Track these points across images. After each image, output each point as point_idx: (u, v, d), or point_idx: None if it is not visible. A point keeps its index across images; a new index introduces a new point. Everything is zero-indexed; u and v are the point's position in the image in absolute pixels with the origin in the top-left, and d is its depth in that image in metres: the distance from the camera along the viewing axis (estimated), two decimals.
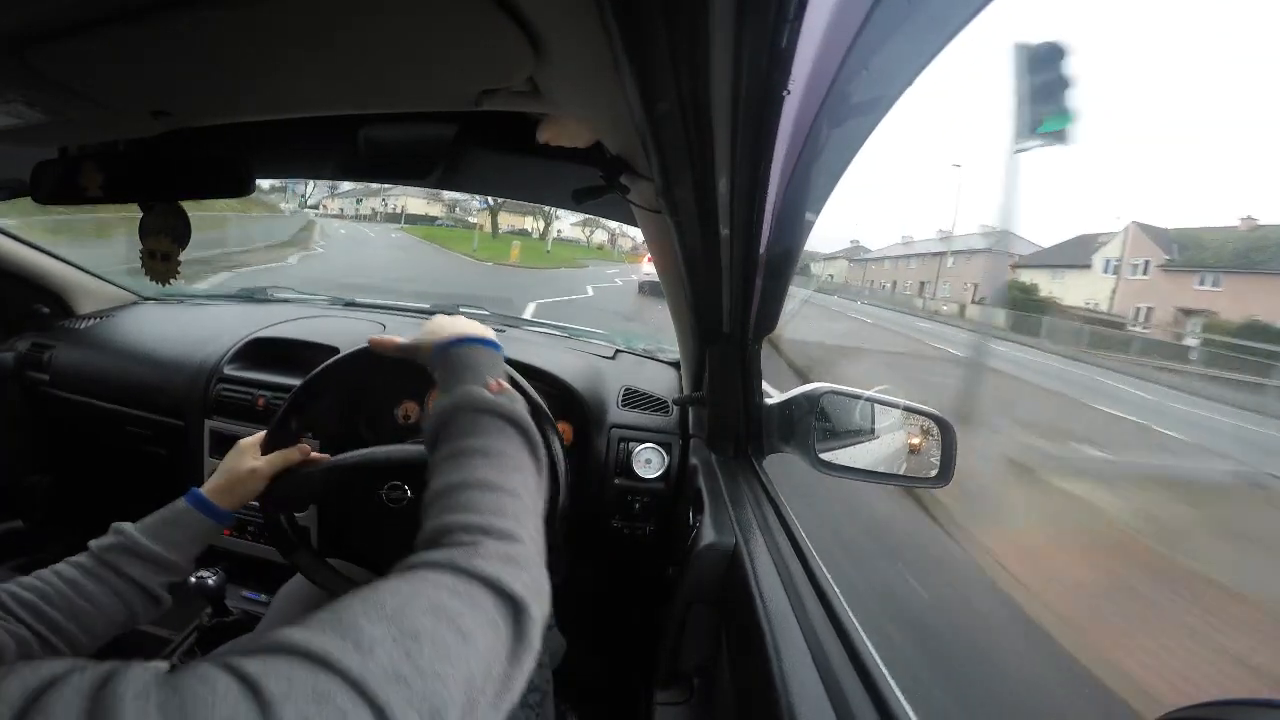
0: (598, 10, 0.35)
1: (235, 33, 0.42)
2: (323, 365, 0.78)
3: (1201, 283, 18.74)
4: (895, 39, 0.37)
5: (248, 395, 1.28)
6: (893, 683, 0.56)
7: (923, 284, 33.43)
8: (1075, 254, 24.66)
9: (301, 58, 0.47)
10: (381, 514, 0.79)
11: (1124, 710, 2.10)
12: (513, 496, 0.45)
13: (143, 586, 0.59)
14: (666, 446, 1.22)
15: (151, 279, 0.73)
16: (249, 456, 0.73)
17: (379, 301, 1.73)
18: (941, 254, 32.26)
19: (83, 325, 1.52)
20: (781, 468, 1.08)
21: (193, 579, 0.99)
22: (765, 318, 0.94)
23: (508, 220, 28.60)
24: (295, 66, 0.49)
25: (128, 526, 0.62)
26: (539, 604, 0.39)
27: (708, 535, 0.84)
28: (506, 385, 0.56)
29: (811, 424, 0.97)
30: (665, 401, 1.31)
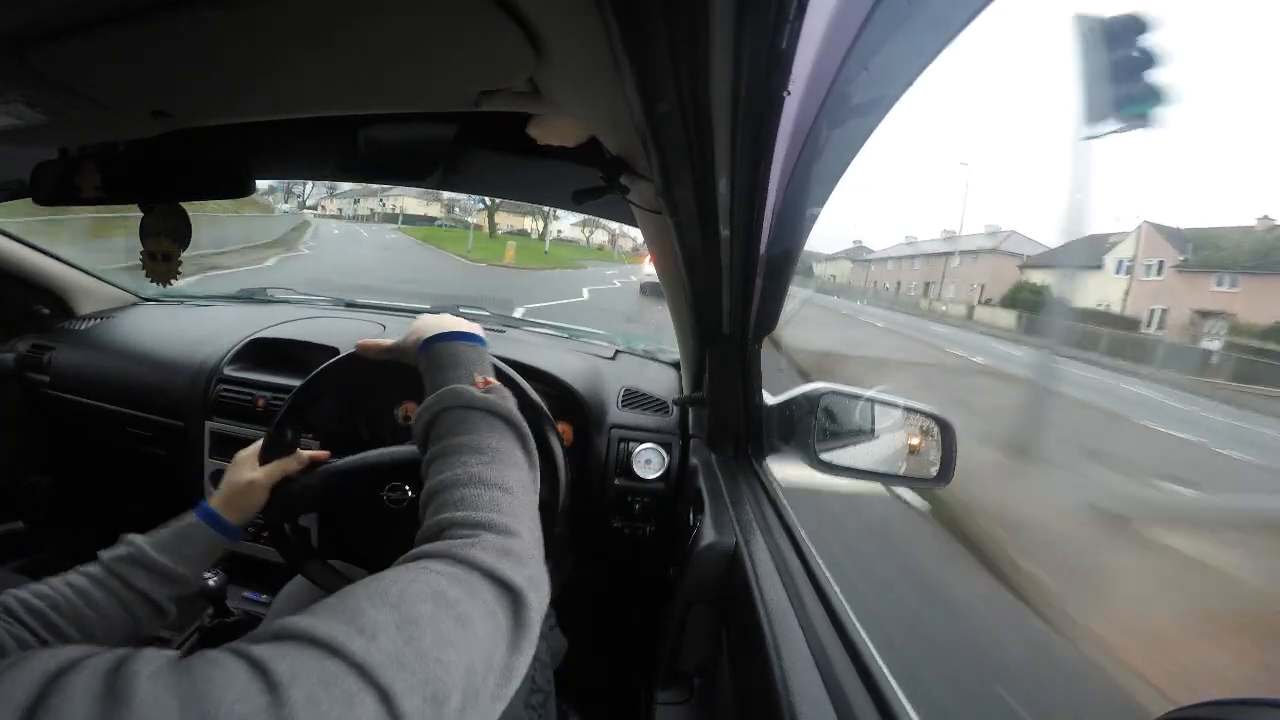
0: (598, 10, 0.35)
1: (235, 33, 0.42)
2: (313, 373, 0.78)
3: (1219, 284, 18.10)
4: (895, 39, 0.37)
5: (248, 396, 1.28)
6: (894, 683, 0.56)
7: (927, 285, 33.20)
8: (1085, 254, 23.97)
9: (301, 58, 0.47)
10: (382, 515, 0.79)
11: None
12: (507, 492, 0.45)
13: (149, 598, 0.59)
14: (667, 447, 1.22)
15: (152, 280, 0.73)
16: (246, 469, 0.73)
17: (379, 302, 1.73)
18: (947, 254, 31.94)
19: (83, 326, 1.52)
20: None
21: None
22: (765, 318, 0.94)
23: (507, 220, 28.57)
24: (295, 66, 0.49)
25: (138, 539, 0.62)
26: (538, 595, 0.40)
27: (708, 535, 0.84)
28: (494, 381, 0.56)
29: (812, 424, 0.97)
30: (665, 402, 1.31)
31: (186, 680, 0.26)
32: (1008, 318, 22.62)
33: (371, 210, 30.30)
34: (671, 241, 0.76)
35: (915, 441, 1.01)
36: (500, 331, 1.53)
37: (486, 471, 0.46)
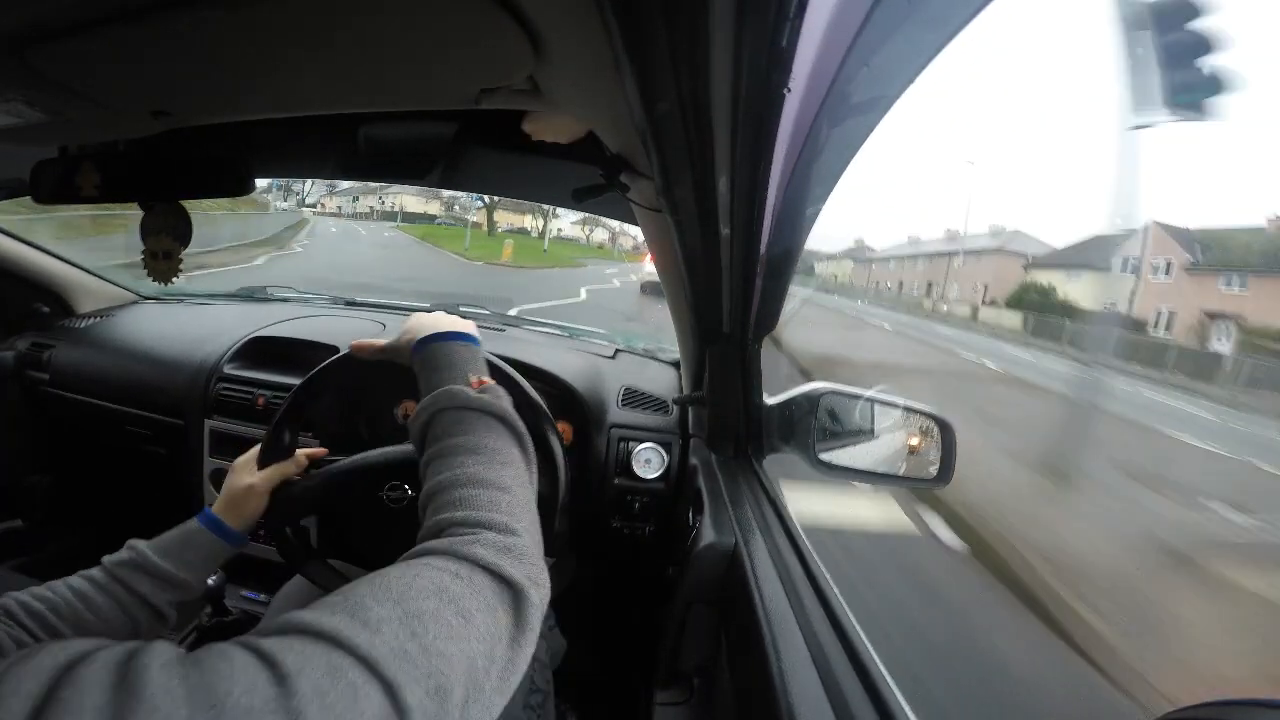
0: (598, 9, 0.35)
1: (235, 33, 0.42)
2: (308, 376, 0.78)
3: (1228, 285, 17.63)
4: (896, 38, 0.37)
5: (248, 394, 1.28)
6: (892, 683, 0.56)
7: (930, 285, 33.03)
8: (1092, 254, 23.80)
9: (301, 58, 0.47)
10: (383, 515, 0.79)
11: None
12: (505, 492, 0.46)
13: (150, 603, 0.59)
14: (666, 446, 1.22)
15: (153, 279, 0.73)
16: (245, 474, 0.73)
17: (379, 300, 1.73)
18: (950, 254, 31.74)
19: (82, 324, 1.52)
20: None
21: None
22: (765, 317, 0.94)
23: (507, 218, 28.53)
24: (295, 66, 0.49)
25: (140, 543, 0.62)
26: (538, 592, 0.41)
27: (707, 535, 0.84)
28: (489, 381, 0.56)
29: (811, 424, 0.97)
30: (665, 401, 1.31)
31: (196, 672, 0.27)
32: (1013, 319, 22.24)
33: (370, 208, 30.29)
34: (671, 240, 0.76)
35: (915, 442, 1.01)
36: (500, 330, 1.53)
37: (485, 472, 0.46)
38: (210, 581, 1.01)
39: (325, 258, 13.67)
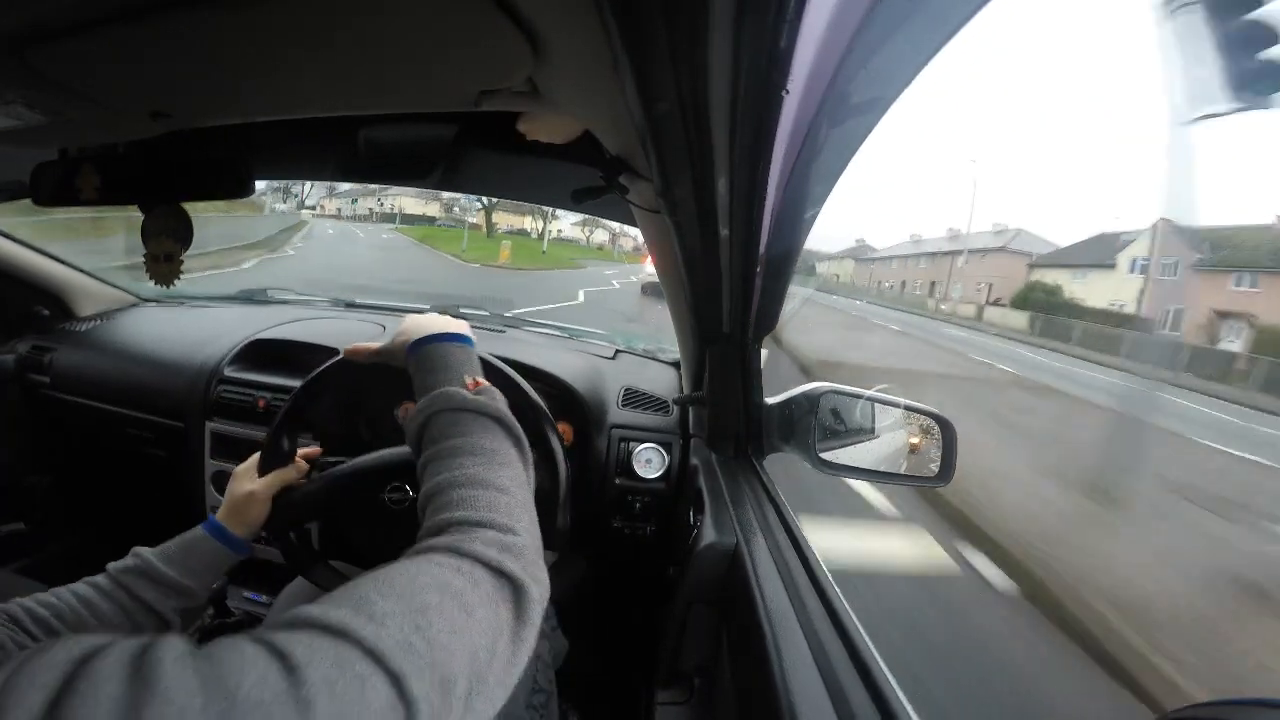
0: (597, 10, 0.35)
1: (235, 33, 0.42)
2: (303, 383, 0.78)
3: (1238, 283, 17.18)
4: (895, 38, 0.37)
5: (248, 397, 1.28)
6: (894, 682, 0.56)
7: (933, 284, 32.81)
8: (1097, 253, 23.52)
9: (301, 58, 0.47)
10: (384, 516, 0.79)
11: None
12: (504, 493, 0.46)
13: (154, 610, 0.59)
14: (667, 446, 1.22)
15: (155, 281, 0.73)
16: (245, 481, 0.73)
17: (379, 302, 1.74)
18: (953, 253, 31.47)
19: (83, 327, 1.52)
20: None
21: None
22: (765, 317, 0.95)
23: (507, 220, 28.52)
24: (295, 66, 0.49)
25: (145, 551, 0.62)
26: (538, 588, 0.41)
27: (708, 535, 0.84)
28: (484, 382, 0.57)
29: (812, 423, 0.97)
30: (665, 401, 1.31)
31: (208, 664, 0.27)
32: (1019, 319, 21.97)
33: (370, 210, 30.28)
34: (671, 241, 0.76)
35: (915, 441, 1.01)
36: (500, 332, 1.53)
37: (483, 473, 0.47)
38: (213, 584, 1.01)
39: (318, 260, 13.37)
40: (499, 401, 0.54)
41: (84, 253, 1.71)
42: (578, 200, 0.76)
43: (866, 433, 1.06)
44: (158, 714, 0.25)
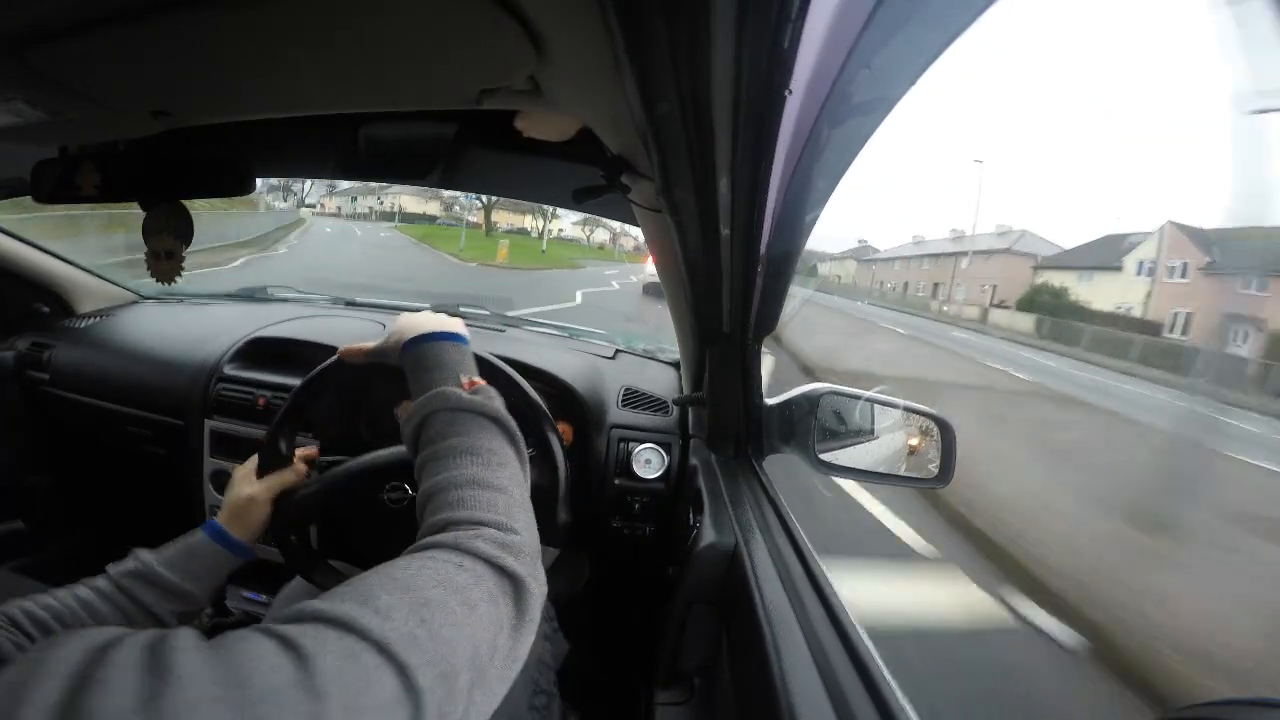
0: (599, 9, 0.35)
1: (235, 33, 0.42)
2: (299, 384, 0.78)
3: (1247, 286, 16.69)
4: (898, 38, 0.37)
5: (248, 395, 1.28)
6: (893, 683, 0.56)
7: (936, 286, 32.59)
8: (1103, 255, 23.24)
9: (301, 58, 0.47)
10: (383, 515, 0.79)
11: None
12: (503, 493, 0.47)
13: (154, 613, 0.59)
14: (666, 446, 1.22)
15: (157, 279, 0.73)
16: (244, 484, 0.73)
17: (379, 301, 1.73)
18: (957, 255, 31.10)
19: (83, 325, 1.52)
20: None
21: None
22: (765, 317, 0.94)
23: (508, 219, 28.51)
24: (295, 66, 0.49)
25: (146, 554, 0.62)
26: (537, 584, 0.42)
27: (708, 535, 0.84)
28: (480, 381, 0.57)
29: (811, 424, 0.97)
30: (665, 401, 1.31)
31: (223, 654, 0.28)
32: (1026, 321, 21.75)
33: (370, 209, 30.26)
34: (672, 241, 0.76)
35: (915, 442, 1.01)
36: (500, 331, 1.53)
37: (482, 473, 0.47)
38: None
39: (309, 260, 13.12)
40: (495, 401, 0.55)
41: (82, 250, 1.70)
42: (579, 199, 0.76)
43: (866, 434, 1.06)
44: (176, 702, 0.25)
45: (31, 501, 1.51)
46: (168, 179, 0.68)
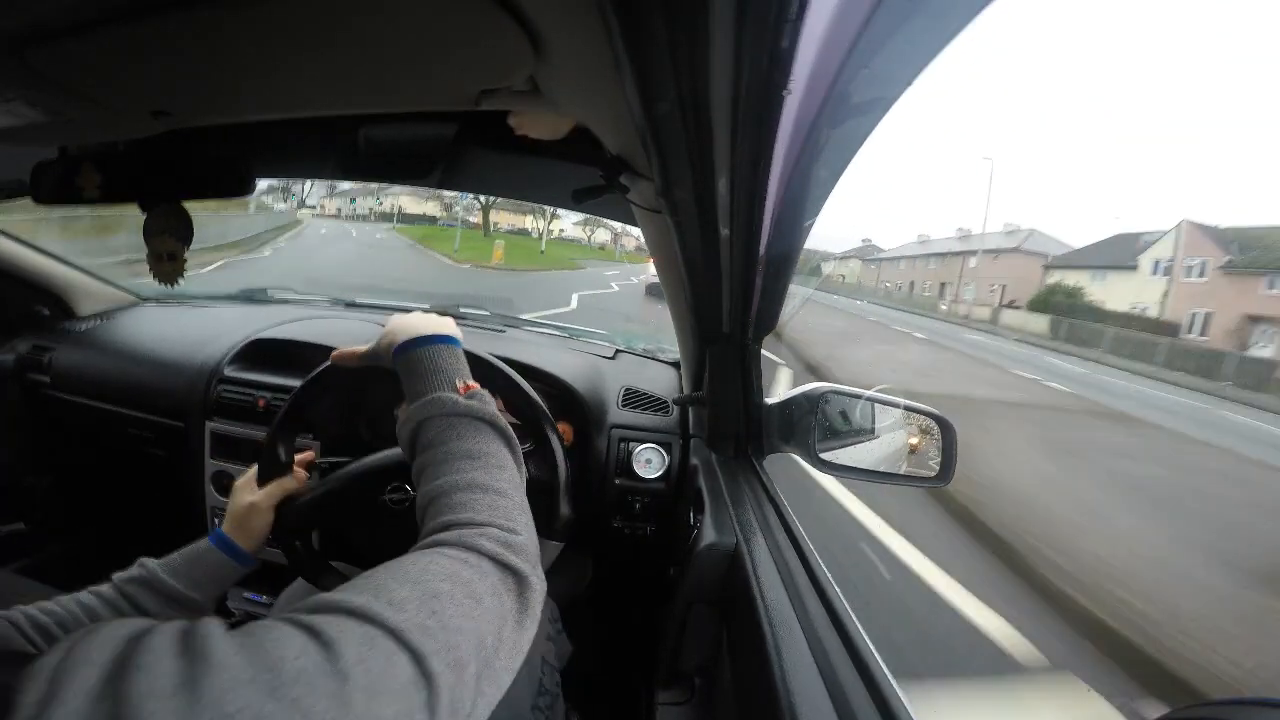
0: (598, 10, 0.35)
1: (235, 33, 0.42)
2: (294, 391, 0.78)
3: (1271, 286, 16.23)
4: (897, 38, 0.37)
5: (248, 396, 1.28)
6: (894, 682, 0.56)
7: (943, 285, 32.30)
8: (1117, 254, 22.86)
9: (301, 58, 0.47)
10: (384, 516, 0.79)
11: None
12: (503, 496, 0.48)
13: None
14: (667, 446, 1.22)
15: (159, 281, 0.73)
16: (246, 493, 0.74)
17: (379, 302, 1.74)
18: (965, 254, 30.70)
19: (83, 327, 1.52)
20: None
21: None
22: (765, 317, 0.94)
23: (508, 219, 28.50)
24: (295, 66, 0.49)
25: (151, 562, 0.63)
26: (539, 580, 0.43)
27: (708, 535, 0.84)
28: (475, 385, 0.57)
29: (812, 424, 0.97)
30: (665, 401, 1.31)
31: (252, 641, 0.29)
32: (1038, 323, 21.33)
33: (370, 209, 30.24)
34: (671, 241, 0.76)
35: (915, 441, 1.01)
36: (500, 331, 1.53)
37: (483, 477, 0.48)
38: None
39: (293, 263, 12.74)
40: (490, 404, 0.55)
41: (81, 252, 1.70)
42: (578, 200, 0.76)
43: (866, 433, 1.06)
44: (213, 684, 0.26)
45: (32, 503, 1.52)
46: (168, 180, 0.68)
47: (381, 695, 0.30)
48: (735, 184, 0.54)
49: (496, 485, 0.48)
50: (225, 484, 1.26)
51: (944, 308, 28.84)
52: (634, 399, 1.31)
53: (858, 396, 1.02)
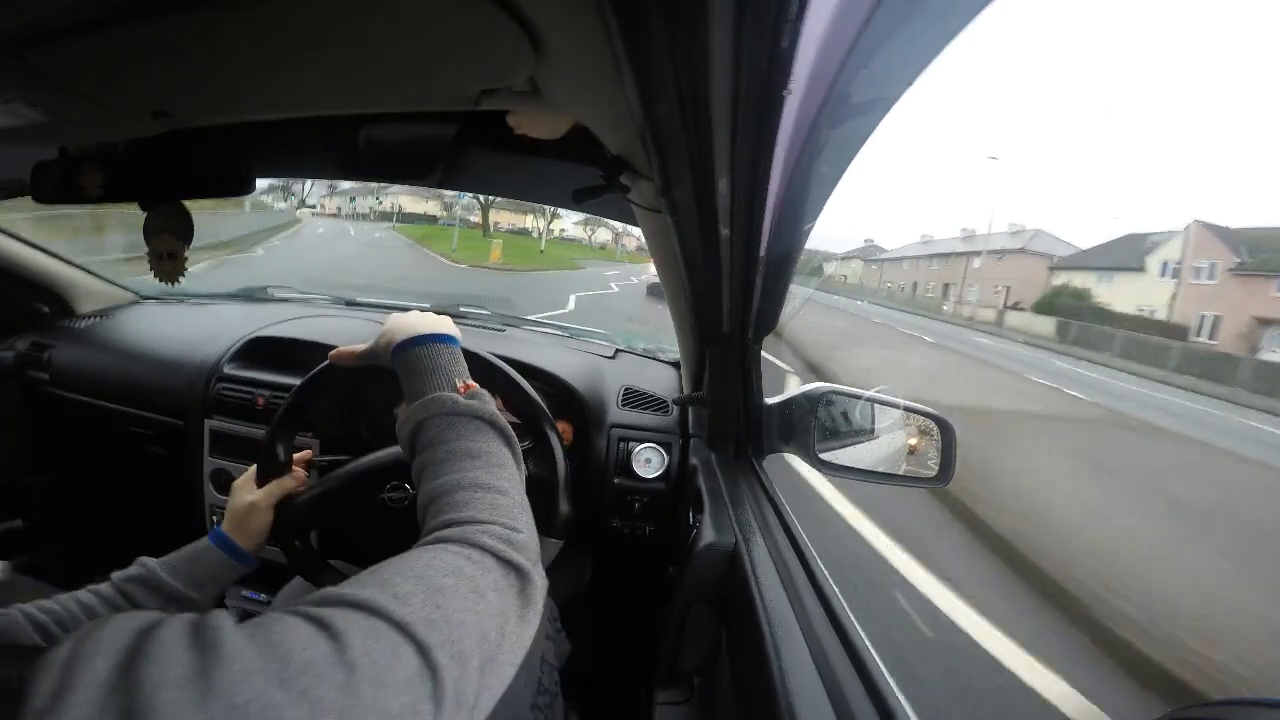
0: (598, 10, 0.35)
1: (235, 33, 0.42)
2: (293, 390, 0.78)
3: None
4: (897, 38, 0.37)
5: (248, 394, 1.28)
6: (892, 682, 0.56)
7: (947, 286, 31.97)
8: (1123, 255, 22.56)
9: (301, 58, 0.47)
10: (384, 515, 0.79)
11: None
12: (503, 495, 0.48)
13: None
14: (666, 446, 1.22)
15: (160, 279, 0.73)
16: (246, 493, 0.74)
17: (379, 301, 1.74)
18: (969, 254, 30.37)
19: (83, 324, 1.52)
20: None
21: None
22: (765, 317, 0.94)
23: (509, 219, 28.49)
24: (295, 66, 0.49)
25: (150, 561, 0.63)
26: (540, 577, 0.44)
27: (708, 535, 0.84)
28: (474, 384, 0.57)
29: (811, 424, 0.98)
30: (665, 401, 1.31)
31: (261, 633, 0.30)
32: (1045, 325, 21.00)
33: (370, 209, 30.21)
34: (671, 241, 0.76)
35: (915, 441, 1.02)
36: (500, 330, 1.53)
37: (483, 476, 0.49)
38: None
39: (285, 263, 12.46)
40: (489, 403, 0.56)
41: (81, 250, 1.70)
42: (578, 200, 0.76)
43: (866, 433, 1.06)
44: (225, 674, 0.27)
45: (31, 501, 1.52)
46: (168, 179, 0.68)
47: (388, 686, 0.30)
48: (735, 184, 0.54)
49: (497, 484, 0.48)
50: (224, 482, 1.26)
51: (947, 309, 28.55)
52: (634, 398, 1.31)
53: (857, 397, 1.02)
